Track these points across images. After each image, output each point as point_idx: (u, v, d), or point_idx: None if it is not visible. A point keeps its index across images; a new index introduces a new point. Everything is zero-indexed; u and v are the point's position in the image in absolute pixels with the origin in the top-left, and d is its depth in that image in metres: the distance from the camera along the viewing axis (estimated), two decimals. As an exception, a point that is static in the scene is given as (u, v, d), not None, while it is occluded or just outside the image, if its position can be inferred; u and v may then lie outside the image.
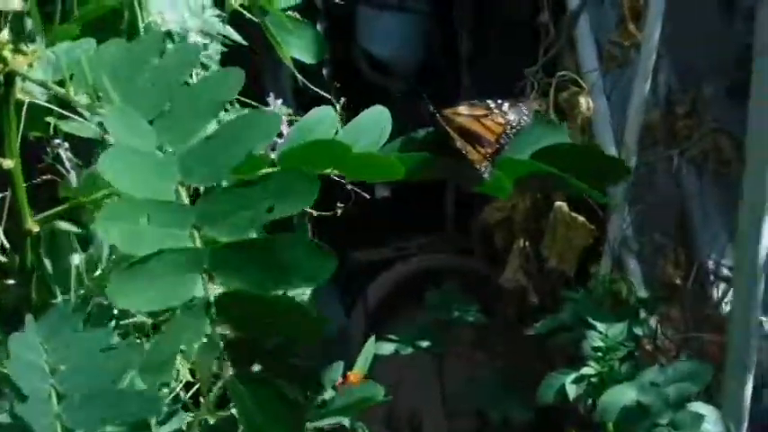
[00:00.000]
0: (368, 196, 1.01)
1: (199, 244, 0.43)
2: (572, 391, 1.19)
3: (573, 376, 1.20)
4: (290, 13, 1.09)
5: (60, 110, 1.21)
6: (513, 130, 0.65)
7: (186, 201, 0.44)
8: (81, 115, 1.29)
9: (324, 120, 0.65)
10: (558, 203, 1.69)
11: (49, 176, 1.23)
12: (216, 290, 0.43)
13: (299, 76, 1.14)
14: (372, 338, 1.62)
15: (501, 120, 0.65)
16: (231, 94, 0.52)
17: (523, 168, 0.63)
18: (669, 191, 1.81)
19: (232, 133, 0.48)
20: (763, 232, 1.25)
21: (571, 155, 0.64)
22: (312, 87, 1.18)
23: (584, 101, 1.70)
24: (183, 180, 0.45)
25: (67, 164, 1.23)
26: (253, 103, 1.00)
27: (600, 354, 1.20)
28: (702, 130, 1.77)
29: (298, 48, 0.92)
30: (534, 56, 1.93)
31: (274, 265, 0.42)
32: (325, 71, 2.44)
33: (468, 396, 1.83)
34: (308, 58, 0.93)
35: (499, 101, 0.66)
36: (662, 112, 1.76)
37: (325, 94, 1.11)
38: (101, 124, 1.31)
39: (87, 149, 1.30)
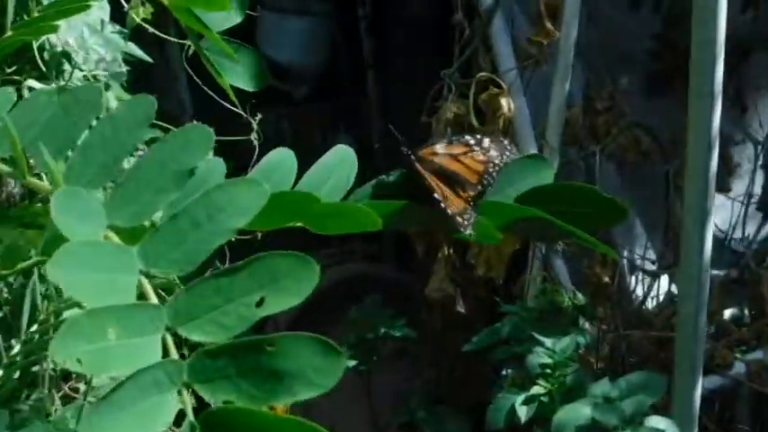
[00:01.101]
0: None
1: (174, 353, 0.35)
2: (523, 412, 1.13)
3: (522, 397, 1.15)
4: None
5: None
6: (496, 168, 0.58)
7: (154, 297, 0.36)
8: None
9: (282, 165, 0.57)
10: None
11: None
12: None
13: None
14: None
15: (482, 157, 0.59)
16: (198, 159, 0.44)
17: (510, 213, 0.57)
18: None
19: (207, 209, 0.39)
20: (707, 230, 1.22)
21: (562, 196, 0.58)
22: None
23: (505, 102, 1.65)
24: (147, 271, 0.37)
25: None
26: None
27: (548, 370, 1.14)
28: (621, 124, 1.75)
29: (237, 75, 0.83)
30: (441, 57, 1.88)
31: (271, 372, 0.35)
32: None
33: (400, 411, 1.77)
34: (248, 86, 0.84)
35: (479, 136, 0.59)
36: (581, 109, 1.72)
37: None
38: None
39: None
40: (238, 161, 1.46)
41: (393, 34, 2.43)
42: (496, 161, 0.58)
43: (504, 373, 1.39)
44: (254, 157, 1.40)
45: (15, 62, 1.21)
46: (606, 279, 1.69)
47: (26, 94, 1.21)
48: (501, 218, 0.57)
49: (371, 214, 0.52)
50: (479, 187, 0.57)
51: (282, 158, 0.57)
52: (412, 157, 0.57)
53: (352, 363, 1.69)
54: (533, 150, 1.72)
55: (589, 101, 1.72)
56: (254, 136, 1.33)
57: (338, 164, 0.58)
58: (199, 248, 0.38)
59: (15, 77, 1.22)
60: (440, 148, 0.59)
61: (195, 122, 0.56)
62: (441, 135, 1.74)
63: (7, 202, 1.11)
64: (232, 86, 0.74)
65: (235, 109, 1.37)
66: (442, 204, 0.55)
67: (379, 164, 2.16)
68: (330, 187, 0.57)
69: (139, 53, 1.33)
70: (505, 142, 0.60)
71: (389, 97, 2.49)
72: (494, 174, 0.58)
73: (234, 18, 0.68)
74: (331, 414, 2.01)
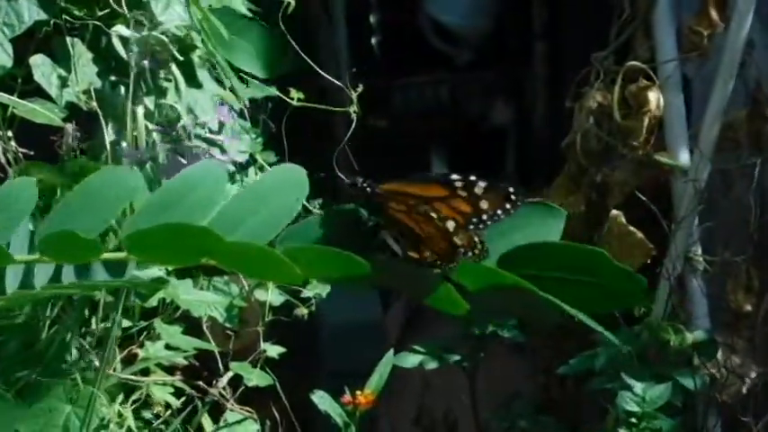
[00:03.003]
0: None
1: None
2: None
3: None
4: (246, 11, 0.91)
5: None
6: (484, 224, 0.45)
7: None
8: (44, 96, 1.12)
9: (208, 177, 0.46)
10: (613, 213, 1.47)
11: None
12: None
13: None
14: (390, 353, 1.45)
15: (467, 206, 0.45)
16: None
17: (482, 277, 0.43)
18: (748, 203, 1.57)
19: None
20: None
21: (563, 260, 0.44)
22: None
23: (653, 97, 1.47)
24: None
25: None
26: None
27: (633, 420, 0.99)
28: (793, 135, 1.52)
29: (248, 57, 0.73)
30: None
31: None
32: (374, 40, 2.25)
33: (503, 414, 1.64)
34: (260, 71, 0.75)
35: (472, 178, 0.46)
36: (746, 114, 1.51)
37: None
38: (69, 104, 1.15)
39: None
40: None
41: (566, 5, 2.24)
42: (485, 216, 0.45)
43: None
44: (350, 130, 1.31)
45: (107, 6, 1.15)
46: (748, 307, 1.49)
47: (115, 40, 1.16)
48: (476, 280, 0.44)
49: (286, 265, 0.41)
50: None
51: (210, 170, 0.46)
52: (368, 189, 0.44)
53: (455, 358, 1.57)
54: (684, 153, 1.53)
55: (756, 105, 1.50)
56: (352, 108, 1.22)
57: (280, 187, 0.46)
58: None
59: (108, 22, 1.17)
60: (413, 185, 0.46)
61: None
62: (581, 125, 1.57)
63: (67, 156, 1.06)
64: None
65: (334, 80, 1.28)
66: (405, 252, 0.43)
67: (543, 140, 2.00)
68: (264, 217, 0.45)
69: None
70: (510, 189, 0.45)
71: (557, 72, 2.31)
72: (480, 228, 0.45)
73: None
74: (440, 395, 1.92)
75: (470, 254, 0.42)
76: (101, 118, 1.07)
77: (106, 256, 0.43)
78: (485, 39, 2.32)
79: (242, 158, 1.39)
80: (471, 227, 0.44)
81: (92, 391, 0.95)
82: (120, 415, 1.00)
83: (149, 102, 1.18)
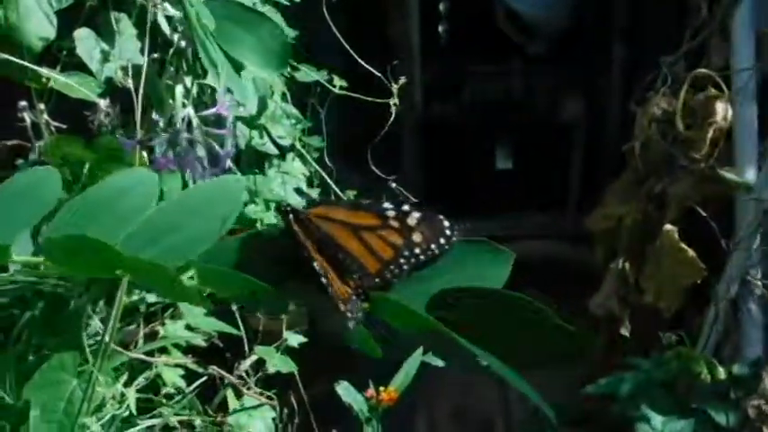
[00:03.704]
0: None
1: None
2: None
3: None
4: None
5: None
6: (413, 260, 0.41)
7: None
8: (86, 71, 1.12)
9: (139, 185, 0.44)
10: (667, 227, 1.40)
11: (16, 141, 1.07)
12: None
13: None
14: (419, 350, 1.42)
15: (398, 238, 0.42)
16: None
17: (403, 317, 0.40)
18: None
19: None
20: None
21: (498, 308, 0.40)
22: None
23: (721, 108, 1.39)
24: None
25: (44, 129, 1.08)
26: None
27: (650, 454, 0.94)
28: None
29: (251, 50, 0.70)
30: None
31: None
32: (441, 28, 2.20)
33: (534, 423, 1.60)
34: (263, 65, 0.72)
35: (406, 207, 0.42)
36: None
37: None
38: (109, 80, 1.14)
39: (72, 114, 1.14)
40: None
41: (647, 4, 2.16)
42: (417, 250, 0.41)
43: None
44: (389, 122, 1.27)
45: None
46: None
47: (161, 17, 1.15)
48: (394, 320, 0.41)
49: (186, 290, 0.38)
50: (377, 281, 0.41)
51: (142, 178, 0.44)
52: (290, 215, 0.41)
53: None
54: (751, 170, 1.45)
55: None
56: (392, 101, 1.18)
57: (210, 202, 0.43)
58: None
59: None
60: (341, 212, 0.42)
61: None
62: (642, 131, 1.50)
63: (98, 130, 1.05)
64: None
65: (373, 70, 1.24)
66: (327, 285, 0.40)
67: (613, 141, 1.92)
68: (189, 233, 0.42)
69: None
70: (446, 223, 0.42)
71: (632, 71, 2.23)
72: (405, 266, 0.41)
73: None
74: (479, 394, 1.88)
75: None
76: (134, 95, 1.05)
77: (17, 258, 0.40)
78: (560, 31, 2.25)
79: (286, 143, 1.37)
80: (402, 260, 0.41)
81: (96, 366, 0.94)
82: (122, 395, 0.99)
83: (189, 82, 1.17)
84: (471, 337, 0.38)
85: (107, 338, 0.96)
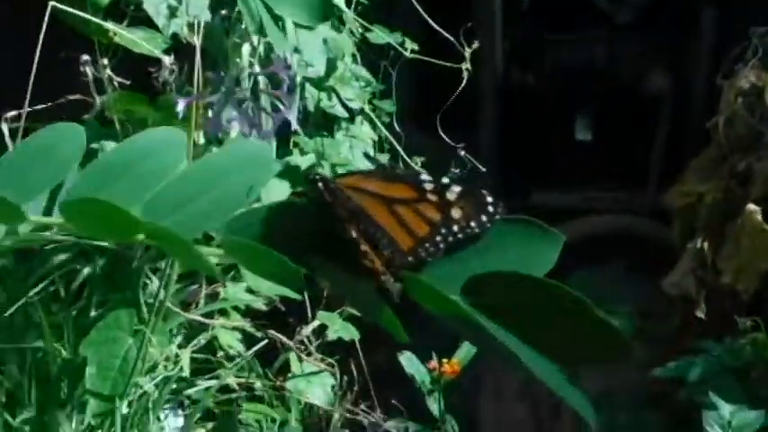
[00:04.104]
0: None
1: None
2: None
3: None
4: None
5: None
6: (450, 237, 0.38)
7: None
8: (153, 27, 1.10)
9: (164, 146, 0.42)
10: (750, 207, 1.34)
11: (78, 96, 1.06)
12: None
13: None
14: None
15: (436, 213, 0.38)
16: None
17: (431, 300, 0.37)
18: None
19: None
20: None
21: (534, 298, 0.37)
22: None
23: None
24: None
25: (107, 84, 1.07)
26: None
27: (717, 446, 0.89)
28: None
29: (290, 4, 0.68)
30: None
31: None
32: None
33: (603, 405, 1.55)
34: (303, 17, 0.69)
35: (446, 180, 0.39)
36: None
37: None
38: (174, 36, 1.13)
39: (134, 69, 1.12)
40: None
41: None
42: (455, 227, 0.38)
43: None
44: (460, 87, 1.23)
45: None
46: None
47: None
48: (422, 300, 0.38)
49: (200, 258, 0.36)
50: (410, 258, 0.38)
51: (167, 138, 0.41)
52: (320, 185, 0.38)
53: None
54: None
55: None
56: (464, 66, 1.14)
57: (239, 166, 0.41)
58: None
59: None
60: (374, 181, 0.39)
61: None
62: (728, 105, 1.44)
63: (162, 87, 1.04)
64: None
65: (446, 34, 1.20)
66: (365, 255, 0.37)
67: (699, 115, 1.84)
68: (213, 199, 0.40)
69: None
70: (489, 199, 0.38)
71: (723, 43, 2.14)
72: (441, 244, 0.38)
73: None
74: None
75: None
76: (198, 52, 1.04)
77: (34, 219, 0.39)
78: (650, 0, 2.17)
79: (355, 106, 1.34)
80: (439, 238, 0.38)
81: (149, 326, 0.94)
82: (176, 356, 0.98)
83: (257, 41, 1.14)
84: (508, 327, 0.35)
85: (162, 298, 0.95)
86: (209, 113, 0.82)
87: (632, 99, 2.18)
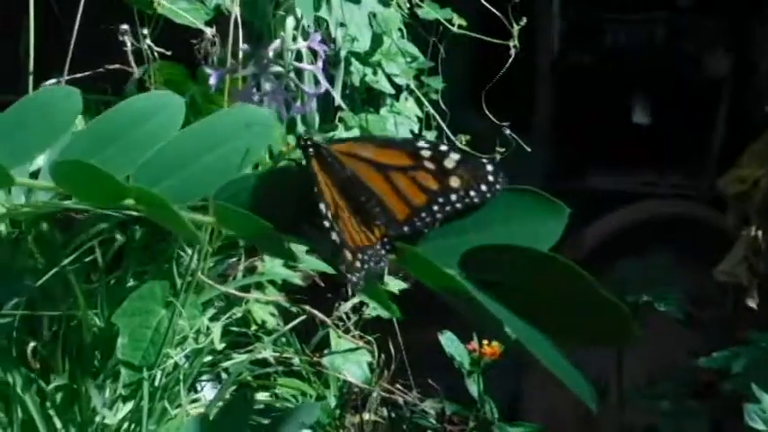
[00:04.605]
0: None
1: None
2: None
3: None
4: None
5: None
6: (448, 207, 0.36)
7: None
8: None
9: (162, 110, 0.40)
10: (806, 194, 1.29)
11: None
12: None
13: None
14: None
15: (433, 182, 0.36)
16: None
17: (425, 272, 0.35)
18: None
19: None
20: None
21: (534, 273, 0.35)
22: None
23: None
24: None
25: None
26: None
27: (758, 438, 0.86)
28: None
29: None
30: None
31: None
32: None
33: (647, 392, 1.52)
34: None
35: (444, 147, 0.37)
36: None
37: None
38: (217, 7, 1.12)
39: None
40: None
41: None
42: (453, 197, 0.36)
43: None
44: (506, 65, 1.20)
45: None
46: None
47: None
48: (415, 272, 0.36)
49: (185, 225, 0.35)
50: (405, 229, 0.36)
51: (166, 101, 0.40)
52: (310, 149, 0.37)
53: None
54: None
55: None
56: (512, 43, 1.12)
57: (236, 131, 0.39)
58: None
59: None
60: (370, 147, 0.37)
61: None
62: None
63: (203, 59, 1.03)
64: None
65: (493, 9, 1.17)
66: (330, 228, 0.35)
67: (762, 98, 1.79)
68: (210, 164, 0.39)
69: None
70: (488, 167, 0.36)
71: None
72: (438, 214, 0.36)
73: None
74: (590, 355, 1.80)
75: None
76: (239, 24, 1.03)
77: (21, 181, 0.38)
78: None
79: (401, 82, 1.32)
80: (436, 207, 0.36)
81: (180, 299, 0.93)
82: (207, 328, 0.98)
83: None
84: (506, 302, 0.33)
85: (195, 270, 0.95)
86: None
87: (692, 82, 2.12)
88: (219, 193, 0.37)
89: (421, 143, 0.37)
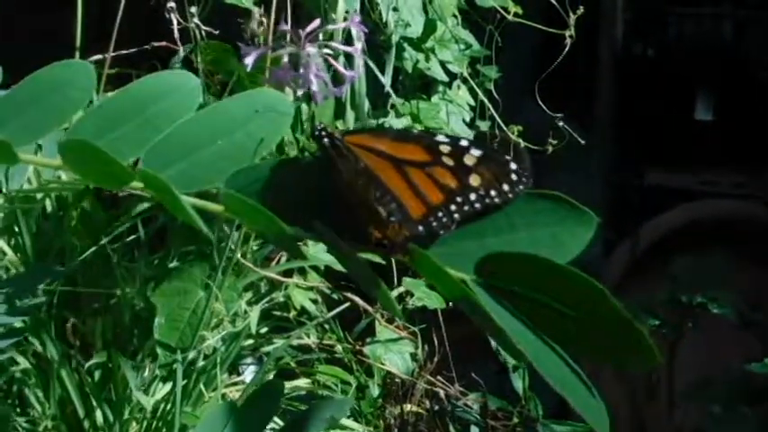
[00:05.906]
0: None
1: None
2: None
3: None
4: None
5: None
6: (466, 207, 0.34)
7: None
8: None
9: (178, 90, 0.39)
10: None
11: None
12: None
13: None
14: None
15: (452, 180, 0.34)
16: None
17: (435, 274, 0.33)
18: None
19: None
20: None
21: (551, 285, 0.32)
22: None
23: None
24: None
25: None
26: None
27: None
28: None
29: None
30: None
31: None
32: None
33: (698, 394, 1.48)
34: None
35: (464, 142, 0.34)
36: None
37: None
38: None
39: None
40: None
41: None
42: (473, 196, 0.34)
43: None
44: (561, 55, 1.16)
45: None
46: None
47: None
48: (433, 280, 0.34)
49: (185, 210, 0.33)
50: (420, 229, 0.34)
51: (181, 81, 0.39)
52: (326, 140, 0.35)
53: (655, 322, 1.42)
54: None
55: None
56: (568, 33, 1.08)
57: (253, 115, 0.38)
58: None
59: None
60: (385, 141, 0.35)
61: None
62: None
63: (251, 40, 1.02)
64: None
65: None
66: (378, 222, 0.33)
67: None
68: (223, 150, 0.37)
69: None
70: (512, 166, 0.34)
71: None
72: (456, 215, 0.34)
73: None
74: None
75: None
76: (288, 4, 1.01)
77: (28, 158, 0.37)
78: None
79: (454, 69, 1.30)
80: (454, 207, 0.33)
81: (217, 281, 0.93)
82: (245, 312, 0.97)
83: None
84: (519, 313, 0.31)
85: (234, 252, 0.94)
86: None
87: (757, 79, 2.06)
88: (230, 181, 0.36)
89: (440, 137, 0.35)
